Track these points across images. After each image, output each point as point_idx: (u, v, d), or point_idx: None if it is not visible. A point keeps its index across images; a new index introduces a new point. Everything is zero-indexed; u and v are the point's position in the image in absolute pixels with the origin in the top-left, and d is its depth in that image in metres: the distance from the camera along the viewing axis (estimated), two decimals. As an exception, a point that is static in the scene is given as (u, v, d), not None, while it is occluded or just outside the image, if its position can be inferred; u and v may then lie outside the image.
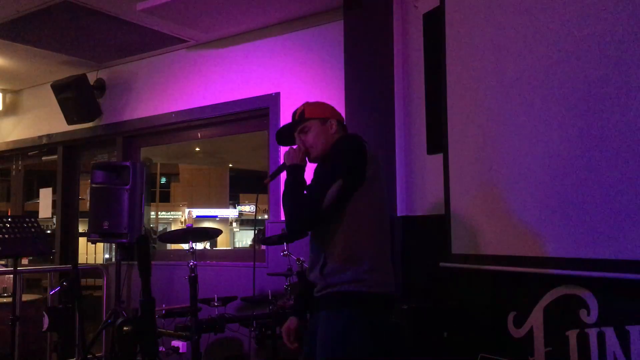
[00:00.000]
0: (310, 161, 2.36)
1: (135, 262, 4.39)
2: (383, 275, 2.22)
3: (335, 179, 2.15)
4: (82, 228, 5.82)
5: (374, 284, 2.18)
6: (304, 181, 2.27)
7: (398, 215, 3.49)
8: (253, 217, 22.05)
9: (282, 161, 2.39)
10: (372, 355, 2.13)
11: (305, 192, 2.23)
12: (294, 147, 2.37)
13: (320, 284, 2.23)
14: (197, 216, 20.64)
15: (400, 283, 3.27)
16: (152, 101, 5.13)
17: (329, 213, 2.16)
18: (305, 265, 3.54)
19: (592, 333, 2.42)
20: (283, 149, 4.18)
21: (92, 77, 5.44)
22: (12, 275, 4.01)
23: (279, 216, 4.25)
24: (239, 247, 19.65)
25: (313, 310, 2.33)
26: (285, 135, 2.45)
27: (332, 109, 2.43)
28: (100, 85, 5.46)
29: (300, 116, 2.36)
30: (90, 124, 5.47)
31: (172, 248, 5.74)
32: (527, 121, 2.67)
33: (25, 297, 4.74)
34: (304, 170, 2.30)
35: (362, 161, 2.20)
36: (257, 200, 2.57)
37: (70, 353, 4.54)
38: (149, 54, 5.10)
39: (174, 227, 18.81)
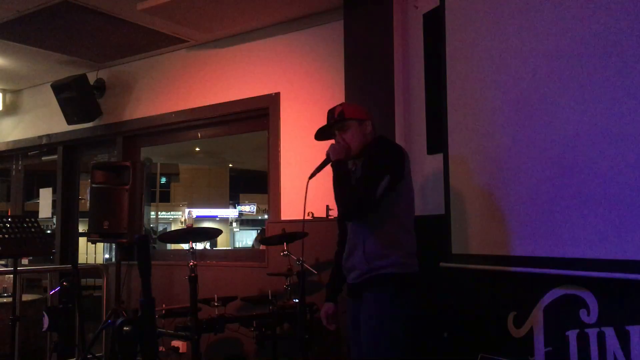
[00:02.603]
0: (349, 157, 2.62)
1: (135, 262, 4.39)
2: (414, 259, 2.58)
3: (384, 174, 2.46)
4: (82, 228, 5.82)
5: (410, 266, 2.54)
6: (350, 173, 2.57)
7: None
8: (253, 217, 22.07)
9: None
10: (415, 329, 2.50)
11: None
12: (334, 142, 2.64)
13: (362, 268, 2.53)
14: (197, 216, 20.64)
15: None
16: (152, 101, 5.13)
17: (379, 204, 2.47)
18: (300, 263, 3.54)
19: (592, 333, 2.42)
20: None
21: (92, 77, 5.44)
22: (12, 275, 4.00)
23: (279, 216, 4.25)
24: (239, 247, 19.64)
25: (353, 296, 2.61)
26: (322, 130, 2.71)
27: (367, 111, 2.72)
28: (100, 85, 5.46)
29: (340, 115, 2.62)
30: (90, 124, 5.47)
31: (172, 248, 5.75)
32: (527, 121, 2.67)
33: (25, 297, 4.74)
34: (347, 164, 2.60)
35: (402, 160, 2.55)
36: (306, 192, 2.67)
37: (70, 353, 4.54)
38: (149, 54, 5.11)
39: (174, 227, 18.82)
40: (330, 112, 2.66)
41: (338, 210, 2.60)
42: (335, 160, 2.56)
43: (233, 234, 21.78)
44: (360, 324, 2.54)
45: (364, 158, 2.58)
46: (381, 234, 2.51)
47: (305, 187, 2.61)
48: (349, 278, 2.64)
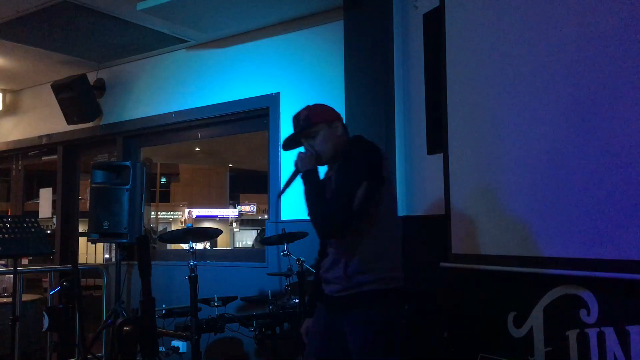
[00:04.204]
0: (321, 165, 2.34)
1: (135, 262, 4.39)
2: (398, 271, 2.28)
3: (361, 181, 2.16)
4: (82, 228, 5.82)
5: (395, 280, 2.25)
6: (321, 185, 2.28)
7: (398, 215, 3.48)
8: (253, 217, 22.07)
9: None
10: (399, 347, 2.21)
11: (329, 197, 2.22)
12: (303, 152, 2.33)
13: (342, 284, 2.25)
14: (197, 216, 20.62)
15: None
16: (152, 101, 5.13)
17: (358, 216, 2.18)
18: (300, 263, 3.54)
19: (592, 333, 2.42)
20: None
21: (92, 77, 5.44)
22: (12, 275, 4.00)
23: (279, 216, 4.25)
24: (239, 247, 19.64)
25: (330, 309, 2.33)
26: (289, 139, 2.39)
27: (333, 110, 2.40)
28: (100, 85, 5.47)
29: (305, 121, 2.32)
30: (90, 124, 5.47)
31: (172, 248, 5.74)
32: (527, 121, 2.67)
33: (25, 297, 4.74)
34: (318, 174, 2.29)
35: (380, 160, 2.23)
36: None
37: (70, 353, 4.54)
38: (149, 54, 5.10)
39: (174, 227, 18.79)
40: (296, 118, 2.36)
41: (315, 228, 2.24)
42: (305, 172, 2.27)
43: (233, 234, 21.75)
44: (331, 334, 2.29)
45: (337, 164, 2.30)
46: (363, 246, 2.22)
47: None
48: (327, 288, 2.35)
